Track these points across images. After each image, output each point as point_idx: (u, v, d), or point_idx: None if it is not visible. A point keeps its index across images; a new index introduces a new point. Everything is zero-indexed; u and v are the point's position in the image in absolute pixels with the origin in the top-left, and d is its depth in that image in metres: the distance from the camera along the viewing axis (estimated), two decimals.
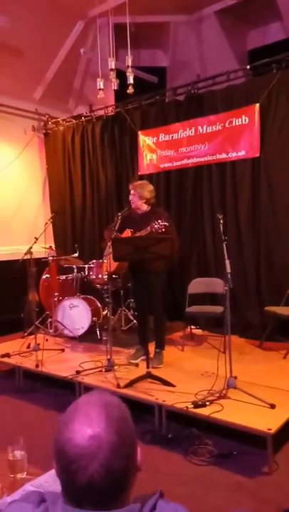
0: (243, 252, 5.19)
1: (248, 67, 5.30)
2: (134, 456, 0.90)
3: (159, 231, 3.81)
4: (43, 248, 5.60)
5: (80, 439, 0.83)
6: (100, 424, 0.85)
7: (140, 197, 4.23)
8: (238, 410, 3.02)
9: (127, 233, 4.23)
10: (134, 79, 5.18)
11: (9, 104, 6.50)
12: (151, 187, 4.34)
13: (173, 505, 0.88)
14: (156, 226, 3.81)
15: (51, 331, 5.48)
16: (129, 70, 5.08)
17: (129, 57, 5.04)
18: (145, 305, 4.21)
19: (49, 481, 1.63)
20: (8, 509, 0.91)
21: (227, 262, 3.33)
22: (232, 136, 5.23)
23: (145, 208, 4.28)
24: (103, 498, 0.83)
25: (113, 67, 5.12)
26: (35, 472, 1.74)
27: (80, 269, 5.46)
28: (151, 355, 4.02)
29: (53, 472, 1.68)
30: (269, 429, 2.72)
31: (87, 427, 0.84)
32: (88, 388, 3.68)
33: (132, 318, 5.58)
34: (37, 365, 4.18)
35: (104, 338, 4.98)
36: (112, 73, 5.17)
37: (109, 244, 3.83)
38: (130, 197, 4.30)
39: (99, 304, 5.42)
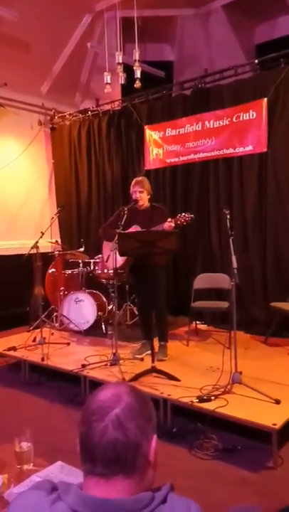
0: (250, 248, 5.18)
1: (256, 61, 5.25)
2: (148, 437, 0.91)
3: (185, 223, 3.89)
4: (49, 242, 5.61)
5: (103, 396, 0.92)
6: (124, 389, 0.93)
7: (148, 193, 4.30)
8: (243, 405, 3.03)
9: (135, 229, 4.23)
10: (141, 73, 5.16)
11: (16, 98, 6.49)
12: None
13: (185, 500, 0.89)
14: (182, 219, 3.85)
15: (57, 324, 5.51)
16: (137, 64, 5.06)
17: (136, 51, 5.02)
18: (150, 299, 4.21)
19: (55, 473, 1.65)
20: (21, 496, 0.95)
21: (233, 257, 3.32)
22: (239, 131, 5.19)
23: (147, 203, 4.31)
24: (112, 455, 0.86)
25: (120, 61, 5.11)
26: (41, 463, 1.76)
27: (86, 264, 5.47)
28: (156, 349, 4.04)
29: (58, 464, 1.70)
30: (274, 424, 2.72)
31: (113, 389, 0.93)
32: (93, 382, 3.70)
33: (136, 312, 5.59)
34: (43, 359, 4.21)
35: (110, 333, 5.01)
36: (119, 67, 5.16)
37: (115, 240, 3.83)
38: (137, 194, 4.28)
39: (104, 299, 5.43)
